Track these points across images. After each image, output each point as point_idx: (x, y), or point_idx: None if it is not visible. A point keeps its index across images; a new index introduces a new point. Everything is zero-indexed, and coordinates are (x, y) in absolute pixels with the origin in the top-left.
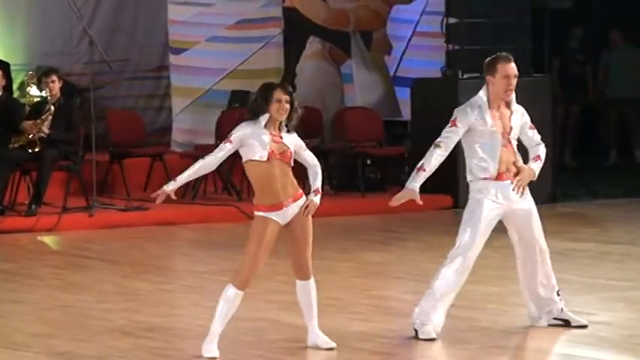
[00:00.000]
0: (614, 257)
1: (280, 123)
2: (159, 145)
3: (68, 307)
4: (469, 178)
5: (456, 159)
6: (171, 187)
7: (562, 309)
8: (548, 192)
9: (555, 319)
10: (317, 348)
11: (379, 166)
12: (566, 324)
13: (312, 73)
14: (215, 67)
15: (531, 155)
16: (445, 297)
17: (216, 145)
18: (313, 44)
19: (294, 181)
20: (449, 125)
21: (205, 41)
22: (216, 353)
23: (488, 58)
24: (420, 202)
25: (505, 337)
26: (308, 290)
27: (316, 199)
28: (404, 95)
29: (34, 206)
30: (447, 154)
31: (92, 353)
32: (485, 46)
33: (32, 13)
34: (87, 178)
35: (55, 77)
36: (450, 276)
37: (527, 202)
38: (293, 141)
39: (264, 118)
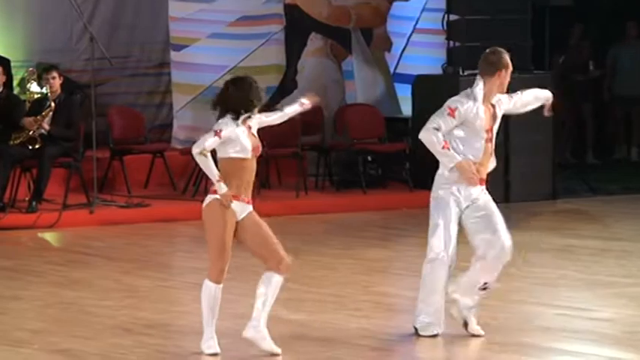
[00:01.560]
0: (615, 254)
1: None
2: (160, 141)
3: (69, 304)
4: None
5: None
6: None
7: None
8: (548, 188)
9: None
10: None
11: (380, 163)
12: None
13: (314, 70)
14: (216, 64)
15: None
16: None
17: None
18: (315, 41)
19: (252, 183)
20: (447, 112)
21: (206, 38)
22: (217, 349)
23: (493, 54)
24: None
25: (505, 333)
26: (271, 283)
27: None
28: (404, 92)
29: (34, 203)
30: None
31: (93, 350)
32: (486, 43)
33: (32, 9)
34: (87, 175)
35: (55, 74)
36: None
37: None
38: (255, 123)
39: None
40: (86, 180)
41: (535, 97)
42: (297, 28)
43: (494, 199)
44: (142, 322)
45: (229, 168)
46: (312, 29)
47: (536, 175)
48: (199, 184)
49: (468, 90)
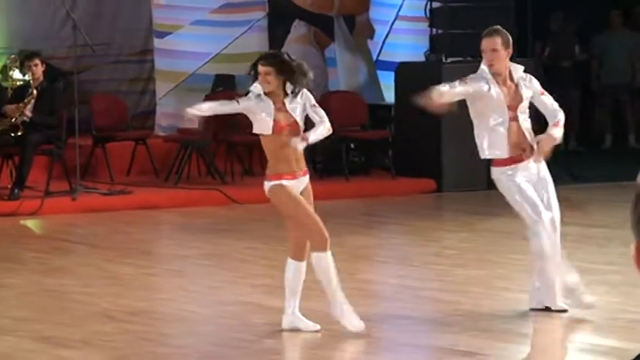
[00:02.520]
0: (596, 241)
1: (285, 91)
2: (142, 129)
3: (52, 292)
4: (487, 156)
5: (439, 144)
6: (196, 111)
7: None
8: None
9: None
10: (298, 330)
11: (363, 150)
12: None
13: (297, 57)
14: (199, 51)
15: (550, 122)
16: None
17: (199, 129)
18: (298, 28)
19: (303, 155)
20: (458, 80)
21: (189, 25)
22: (359, 322)
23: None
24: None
25: (489, 320)
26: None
27: (306, 134)
28: (387, 79)
29: (16, 190)
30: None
31: (76, 337)
32: (469, 30)
33: None
34: (70, 162)
35: (37, 61)
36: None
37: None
38: (299, 105)
39: (258, 86)
40: (69, 167)
41: (552, 121)
42: (280, 15)
43: (476, 186)
44: (124, 310)
45: (263, 144)
46: (296, 16)
47: None
48: (182, 171)
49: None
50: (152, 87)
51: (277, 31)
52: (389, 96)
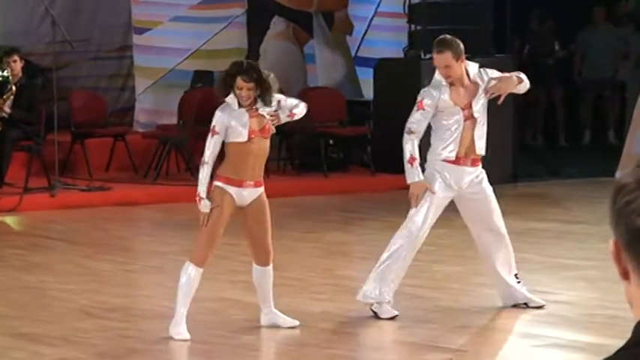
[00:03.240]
0: (575, 237)
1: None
2: (121, 125)
3: (30, 288)
4: (429, 155)
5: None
6: (203, 195)
7: (522, 293)
8: (509, 172)
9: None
10: (277, 327)
11: (342, 146)
12: (525, 305)
13: (276, 54)
14: (178, 47)
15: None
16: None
17: (178, 125)
18: (277, 24)
19: (263, 166)
20: (416, 108)
21: (169, 21)
22: (186, 335)
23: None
24: (435, 190)
25: (467, 316)
26: (266, 276)
27: (283, 115)
28: (366, 75)
29: None
30: (421, 137)
31: (55, 334)
32: (448, 27)
33: None
34: (49, 159)
35: (16, 57)
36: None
37: (481, 187)
38: (271, 109)
39: (233, 100)
40: (47, 163)
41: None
42: (259, 12)
43: None
44: (103, 306)
45: (229, 150)
46: (275, 13)
47: (497, 157)
48: (160, 167)
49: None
50: (131, 83)
51: (256, 27)
52: (367, 92)
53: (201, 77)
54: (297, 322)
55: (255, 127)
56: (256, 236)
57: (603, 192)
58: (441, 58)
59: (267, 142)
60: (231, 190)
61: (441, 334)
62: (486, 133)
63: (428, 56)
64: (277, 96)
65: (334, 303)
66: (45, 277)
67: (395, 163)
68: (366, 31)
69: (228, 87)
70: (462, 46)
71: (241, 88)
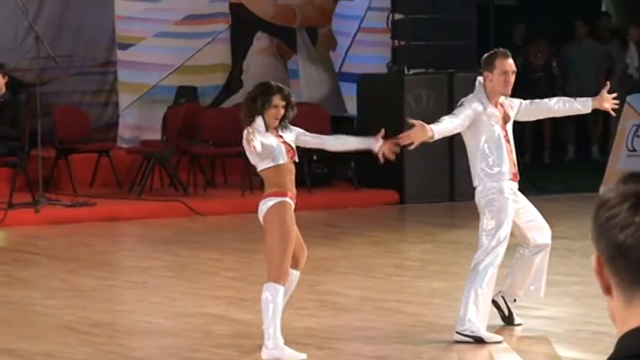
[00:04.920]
0: (559, 252)
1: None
2: (105, 140)
3: (14, 304)
4: (477, 183)
5: (402, 155)
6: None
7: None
8: None
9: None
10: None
11: (325, 162)
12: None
13: (260, 69)
14: (162, 63)
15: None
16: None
17: (162, 141)
18: (261, 40)
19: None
20: (458, 105)
21: (152, 37)
22: (302, 355)
23: (486, 55)
24: (430, 134)
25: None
26: (295, 281)
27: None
28: (349, 91)
29: None
30: (457, 122)
31: (38, 350)
32: (431, 42)
33: None
34: (33, 174)
35: (0, 73)
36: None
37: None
38: (291, 137)
39: (261, 122)
40: (31, 179)
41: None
42: (242, 27)
43: (439, 198)
44: (87, 322)
45: (266, 178)
46: (258, 28)
47: None
48: (144, 183)
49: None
50: (115, 99)
51: (240, 42)
52: (351, 107)
53: (185, 93)
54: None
55: (286, 150)
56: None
57: (587, 207)
58: (509, 63)
59: (293, 165)
60: (286, 198)
61: (425, 350)
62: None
63: (411, 72)
64: (297, 128)
65: (318, 318)
66: (29, 293)
67: (378, 179)
68: (350, 46)
69: (260, 107)
70: None
71: (277, 107)
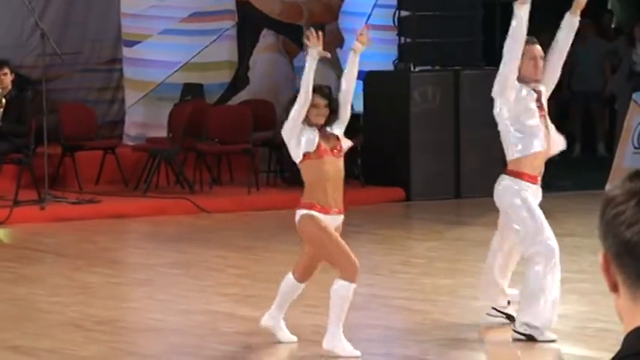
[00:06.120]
0: (566, 250)
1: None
2: (111, 138)
3: (20, 301)
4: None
5: (408, 152)
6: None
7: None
8: None
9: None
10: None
11: None
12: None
13: (266, 66)
14: (168, 60)
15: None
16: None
17: (168, 138)
18: (267, 37)
19: (342, 190)
20: None
21: (158, 34)
22: (357, 352)
23: None
24: None
25: (457, 329)
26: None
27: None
28: (356, 88)
29: None
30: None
31: (44, 347)
32: (437, 39)
33: None
34: (39, 171)
35: (6, 70)
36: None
37: None
38: (337, 130)
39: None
40: (37, 176)
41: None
42: (249, 25)
43: (445, 195)
44: (92, 319)
45: (305, 177)
46: (264, 25)
47: (489, 170)
48: (150, 180)
49: None
50: (121, 96)
51: (246, 40)
52: (357, 105)
53: (191, 90)
54: (295, 338)
55: (325, 145)
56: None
57: (594, 204)
58: (539, 49)
59: (342, 163)
60: (319, 215)
61: (431, 347)
62: (477, 145)
63: (418, 69)
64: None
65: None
66: (34, 290)
67: (385, 176)
68: None
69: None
70: None
71: (317, 106)
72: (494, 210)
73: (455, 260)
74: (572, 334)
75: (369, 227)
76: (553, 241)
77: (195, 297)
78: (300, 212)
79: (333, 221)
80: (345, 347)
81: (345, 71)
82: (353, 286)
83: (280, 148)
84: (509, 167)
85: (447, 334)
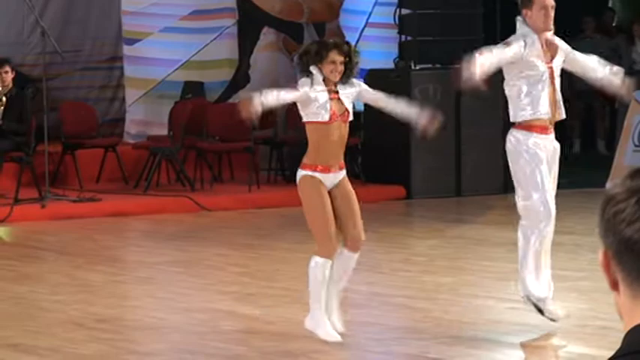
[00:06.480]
0: (566, 247)
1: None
2: (112, 136)
3: (20, 299)
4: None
5: (408, 150)
6: (258, 101)
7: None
8: (500, 182)
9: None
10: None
11: None
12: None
13: (267, 64)
14: (169, 58)
15: (610, 76)
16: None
17: (168, 136)
18: (267, 35)
19: (344, 150)
20: (501, 44)
21: (159, 32)
22: (338, 337)
23: None
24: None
25: (458, 327)
26: (350, 263)
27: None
28: None
29: None
30: (495, 60)
31: (45, 345)
32: (438, 37)
33: None
34: (39, 170)
35: (7, 68)
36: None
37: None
38: (350, 94)
39: (318, 74)
40: (38, 174)
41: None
42: (249, 22)
43: (446, 193)
44: (93, 317)
45: (309, 133)
46: (265, 23)
47: (488, 168)
48: (151, 178)
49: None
50: (121, 94)
51: (247, 38)
52: (358, 103)
53: (192, 88)
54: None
55: (336, 110)
56: (344, 217)
57: (594, 203)
58: None
59: (347, 128)
60: (320, 176)
61: (432, 345)
62: (478, 143)
63: (418, 67)
64: (361, 83)
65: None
66: (35, 288)
67: (385, 174)
68: (357, 41)
69: (315, 60)
70: None
71: (334, 62)
72: (495, 207)
73: (455, 258)
74: (572, 332)
75: (370, 225)
76: (546, 204)
77: (196, 295)
78: (301, 172)
79: (335, 178)
80: (327, 331)
81: (398, 106)
82: (329, 262)
83: (281, 146)
84: None
85: (447, 332)
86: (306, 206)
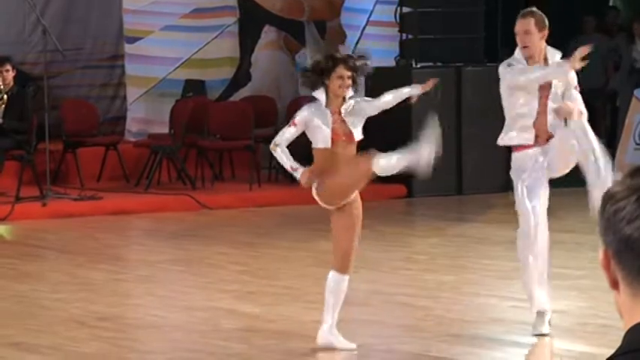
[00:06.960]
0: (567, 246)
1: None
2: (113, 134)
3: (22, 297)
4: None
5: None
6: (295, 165)
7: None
8: (501, 180)
9: None
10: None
11: None
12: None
13: (267, 63)
14: (170, 56)
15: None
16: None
17: (169, 134)
18: (268, 33)
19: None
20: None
21: (160, 30)
22: (352, 344)
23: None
24: None
25: (459, 325)
26: (341, 285)
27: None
28: None
29: None
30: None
31: (46, 343)
32: (439, 35)
33: None
34: (40, 168)
35: (8, 66)
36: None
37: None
38: (354, 111)
39: (322, 94)
40: (39, 172)
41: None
42: (250, 21)
43: (446, 191)
44: (95, 315)
45: (316, 158)
46: (266, 22)
47: (489, 166)
48: (152, 177)
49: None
50: (122, 92)
51: (248, 36)
52: None
53: (193, 86)
54: (354, 345)
55: (340, 131)
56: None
57: None
58: (522, 23)
59: (354, 148)
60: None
61: (434, 344)
62: (479, 142)
63: (419, 65)
64: (360, 101)
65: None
66: (36, 287)
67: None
68: (359, 40)
69: (325, 75)
70: (546, 22)
71: (342, 77)
72: (496, 206)
73: (457, 257)
74: (572, 331)
75: (370, 224)
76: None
77: (197, 293)
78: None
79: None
80: (340, 340)
81: (396, 92)
82: (346, 278)
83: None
84: None
85: (449, 331)
86: (344, 224)
